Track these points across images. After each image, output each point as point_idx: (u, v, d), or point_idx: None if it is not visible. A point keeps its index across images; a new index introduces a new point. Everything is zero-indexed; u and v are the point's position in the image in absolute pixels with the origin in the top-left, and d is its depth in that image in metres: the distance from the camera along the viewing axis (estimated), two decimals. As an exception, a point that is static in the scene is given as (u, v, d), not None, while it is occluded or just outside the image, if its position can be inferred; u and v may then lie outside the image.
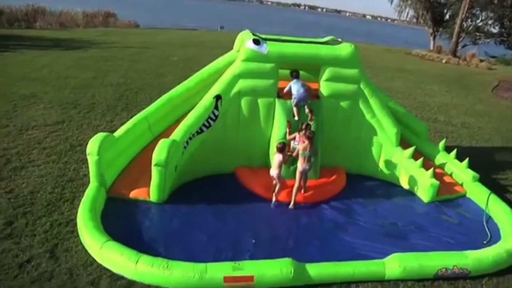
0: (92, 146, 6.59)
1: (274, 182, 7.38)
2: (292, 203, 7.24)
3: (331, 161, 8.34)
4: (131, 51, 22.41)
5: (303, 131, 7.43)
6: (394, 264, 5.68)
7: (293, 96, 7.84)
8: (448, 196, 8.01)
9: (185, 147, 7.27)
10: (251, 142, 8.07)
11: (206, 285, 5.09)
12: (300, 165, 7.17)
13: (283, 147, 7.23)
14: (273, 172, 7.26)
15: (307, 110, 7.89)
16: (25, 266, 5.26)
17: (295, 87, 7.88)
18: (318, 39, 9.21)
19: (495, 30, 41.15)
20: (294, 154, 7.40)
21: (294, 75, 8.12)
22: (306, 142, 7.11)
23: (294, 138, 7.65)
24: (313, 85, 8.35)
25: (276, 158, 7.24)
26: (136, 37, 28.95)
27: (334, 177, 8.12)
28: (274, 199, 7.34)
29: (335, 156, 8.39)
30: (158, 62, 19.75)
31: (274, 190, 7.36)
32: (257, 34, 8.37)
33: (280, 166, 7.20)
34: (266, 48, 7.80)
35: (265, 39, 8.10)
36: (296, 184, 7.22)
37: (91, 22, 34.99)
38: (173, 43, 27.25)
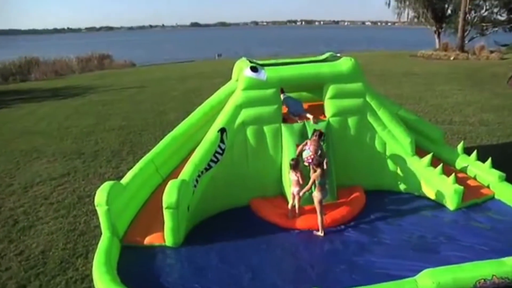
0: (100, 196, 6.36)
1: (293, 200, 7.21)
2: (320, 229, 6.90)
3: (347, 180, 8.04)
4: (130, 91, 22.45)
5: (315, 137, 7.20)
6: (427, 281, 5.26)
7: (290, 109, 8.10)
8: (475, 200, 7.63)
9: (195, 186, 7.02)
10: (262, 172, 7.82)
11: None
12: (318, 193, 6.85)
13: (296, 163, 7.03)
14: (293, 189, 7.08)
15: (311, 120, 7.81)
16: (43, 333, 5.00)
17: (288, 100, 8.17)
18: (316, 57, 9.07)
19: (502, 17, 39.45)
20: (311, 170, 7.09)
21: (281, 90, 8.10)
22: (318, 170, 6.77)
23: (303, 148, 7.33)
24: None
25: (292, 177, 7.06)
26: (133, 76, 29.12)
27: (352, 196, 7.81)
28: (296, 211, 7.24)
29: (351, 175, 8.09)
30: (159, 100, 19.71)
31: (293, 206, 7.23)
32: (254, 60, 8.24)
33: (298, 183, 7.00)
34: (264, 74, 7.64)
35: (263, 65, 7.94)
36: (318, 212, 6.88)
37: (86, 66, 35.25)
38: (172, 77, 27.34)
